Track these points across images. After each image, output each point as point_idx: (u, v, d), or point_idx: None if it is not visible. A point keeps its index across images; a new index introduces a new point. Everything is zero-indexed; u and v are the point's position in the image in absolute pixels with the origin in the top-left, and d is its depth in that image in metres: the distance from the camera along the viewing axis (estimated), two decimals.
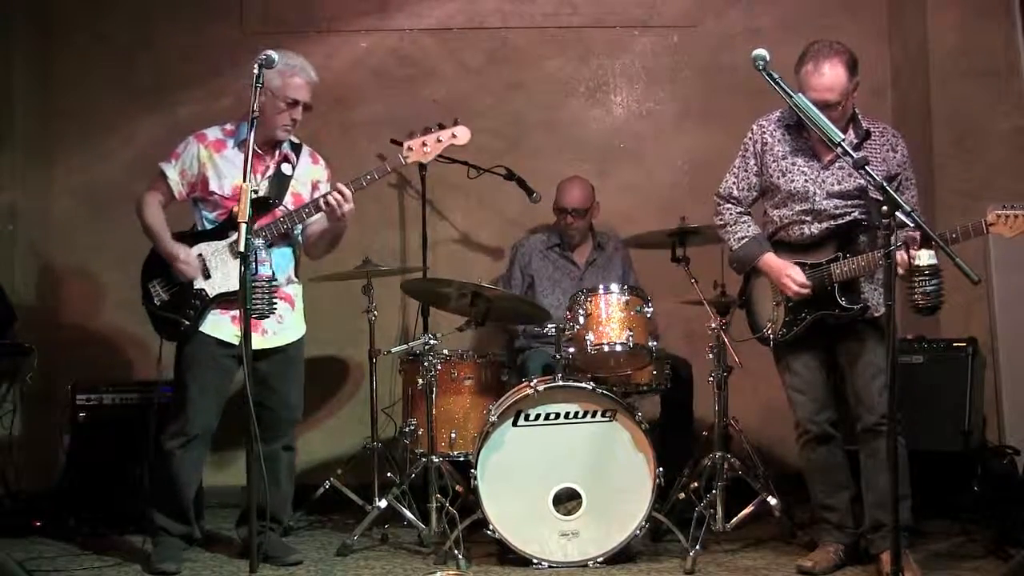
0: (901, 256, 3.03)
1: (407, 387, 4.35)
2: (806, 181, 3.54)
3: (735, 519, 3.90)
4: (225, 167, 3.75)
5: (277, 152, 3.82)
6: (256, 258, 3.47)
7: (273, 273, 3.72)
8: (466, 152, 4.87)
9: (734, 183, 3.70)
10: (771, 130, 3.63)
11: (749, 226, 3.67)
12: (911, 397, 4.00)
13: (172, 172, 3.77)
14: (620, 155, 5.33)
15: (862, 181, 3.28)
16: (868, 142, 3.51)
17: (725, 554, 3.84)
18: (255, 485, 3.15)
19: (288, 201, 3.80)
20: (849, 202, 3.50)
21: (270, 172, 3.80)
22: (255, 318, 3.28)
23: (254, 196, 3.67)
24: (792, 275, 3.51)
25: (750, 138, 3.68)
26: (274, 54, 3.15)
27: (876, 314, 3.46)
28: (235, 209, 3.04)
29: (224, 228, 3.75)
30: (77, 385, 4.47)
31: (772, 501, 3.92)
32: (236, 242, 3.64)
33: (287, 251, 3.86)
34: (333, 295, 4.88)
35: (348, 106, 5.29)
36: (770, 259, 3.59)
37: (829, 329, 3.57)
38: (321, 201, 3.67)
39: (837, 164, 3.50)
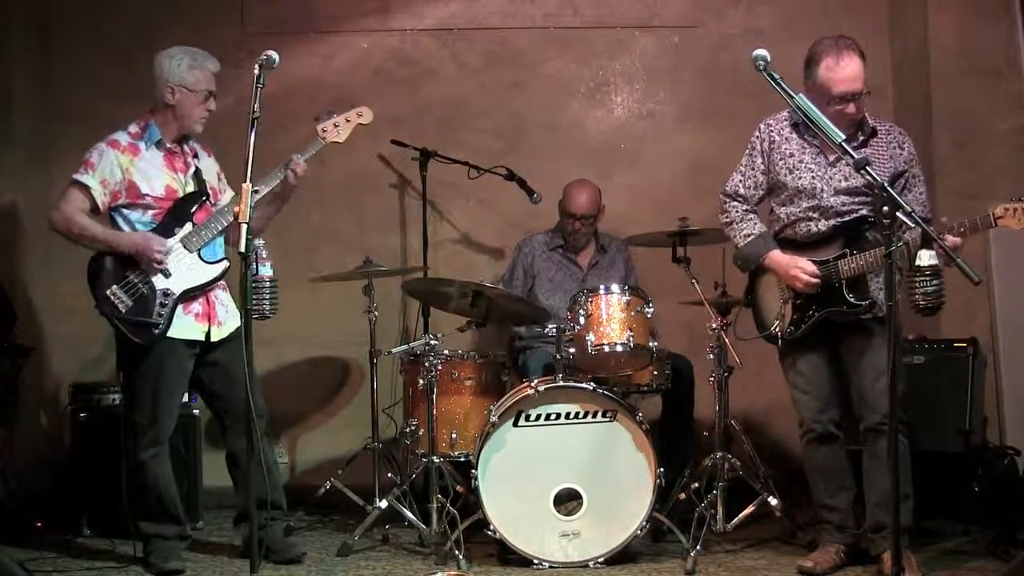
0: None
1: (408, 387, 4.35)
2: (813, 178, 3.55)
3: (736, 519, 3.91)
4: (148, 169, 3.74)
5: (187, 148, 3.85)
6: (257, 257, 3.48)
7: (227, 261, 3.74)
8: (467, 153, 4.89)
9: (740, 181, 3.71)
10: (778, 129, 3.65)
11: (755, 224, 3.68)
12: (913, 397, 4.00)
13: (92, 182, 3.68)
14: (621, 156, 5.33)
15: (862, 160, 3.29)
16: (874, 140, 3.53)
17: (726, 554, 3.84)
18: (254, 483, 3.15)
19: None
20: (856, 199, 3.51)
21: (191, 169, 3.83)
22: (257, 319, 3.29)
23: (188, 193, 3.75)
24: (802, 267, 3.51)
25: (757, 137, 3.69)
26: (275, 54, 3.15)
27: (882, 313, 3.46)
28: (238, 209, 3.01)
29: (168, 226, 3.73)
30: (77, 385, 4.46)
31: (773, 501, 3.92)
32: (187, 237, 3.70)
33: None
34: (334, 295, 4.89)
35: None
36: (777, 255, 3.59)
37: (835, 329, 3.57)
38: (287, 177, 3.72)
39: (844, 161, 3.49)
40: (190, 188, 3.78)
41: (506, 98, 5.34)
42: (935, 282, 3.00)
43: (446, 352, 4.17)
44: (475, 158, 4.93)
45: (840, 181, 3.52)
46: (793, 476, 4.12)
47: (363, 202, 5.26)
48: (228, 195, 3.92)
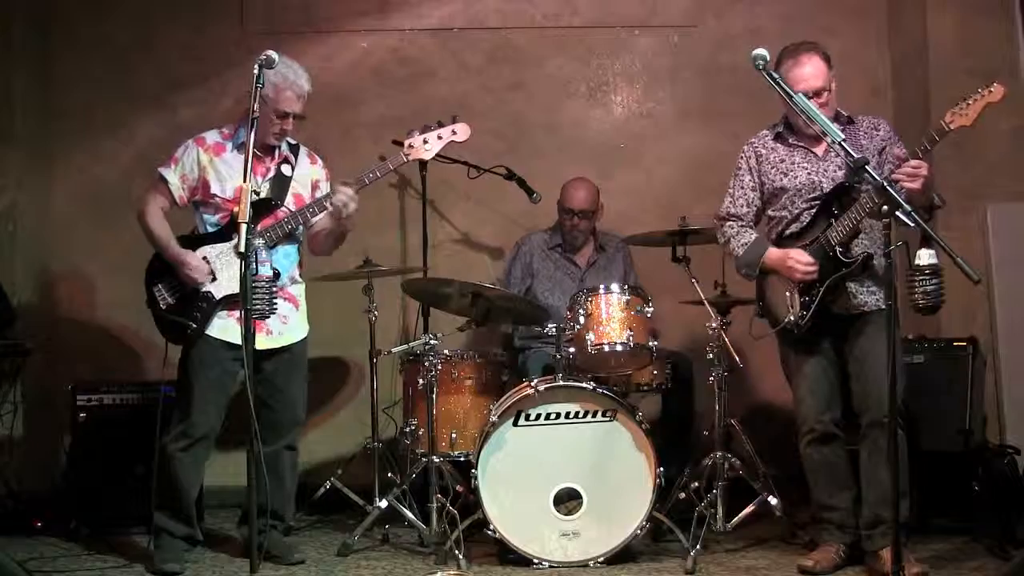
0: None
1: (408, 387, 4.35)
2: (810, 174, 3.62)
3: (736, 519, 3.91)
4: (225, 170, 3.77)
5: (276, 153, 3.84)
6: (256, 258, 3.48)
7: (276, 272, 3.72)
8: (466, 152, 4.88)
9: (731, 202, 3.78)
10: (761, 143, 3.74)
11: (750, 234, 3.75)
12: (913, 397, 4.00)
13: (173, 177, 3.77)
14: (620, 155, 5.33)
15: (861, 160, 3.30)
16: (851, 127, 3.62)
17: (726, 554, 3.84)
18: (256, 484, 3.15)
19: (289, 202, 3.82)
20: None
21: (271, 174, 3.82)
22: (256, 318, 3.29)
23: (256, 198, 3.72)
24: (795, 257, 3.56)
25: (742, 157, 3.77)
26: (274, 54, 3.16)
27: (879, 303, 3.47)
28: (235, 210, 3.04)
29: (227, 230, 3.76)
30: (77, 385, 4.47)
31: (773, 501, 3.92)
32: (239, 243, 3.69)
33: (291, 250, 3.88)
34: (334, 295, 4.87)
35: (348, 106, 5.29)
36: (772, 252, 3.64)
37: (836, 326, 3.58)
38: (328, 202, 3.70)
39: (832, 153, 3.56)
40: (263, 193, 3.76)
41: (506, 98, 5.34)
42: (935, 281, 3.00)
43: (446, 352, 4.18)
44: (475, 158, 4.92)
45: (835, 171, 3.60)
46: (793, 476, 4.12)
47: (363, 202, 5.18)
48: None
